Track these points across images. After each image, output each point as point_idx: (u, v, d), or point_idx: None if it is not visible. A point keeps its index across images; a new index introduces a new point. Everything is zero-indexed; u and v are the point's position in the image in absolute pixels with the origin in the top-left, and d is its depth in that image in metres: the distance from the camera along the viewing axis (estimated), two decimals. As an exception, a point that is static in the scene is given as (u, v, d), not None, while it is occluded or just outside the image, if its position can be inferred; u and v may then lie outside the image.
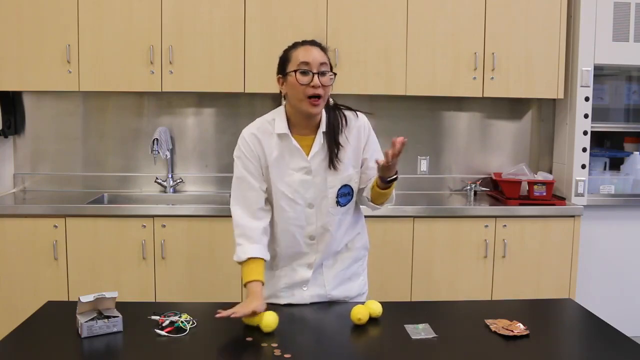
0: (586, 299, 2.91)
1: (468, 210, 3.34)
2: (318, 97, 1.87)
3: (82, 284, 3.17)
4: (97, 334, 1.68)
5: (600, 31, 3.45)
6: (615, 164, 3.76)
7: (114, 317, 1.72)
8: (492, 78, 3.47)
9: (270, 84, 3.25)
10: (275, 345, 1.64)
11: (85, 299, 1.69)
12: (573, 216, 3.35)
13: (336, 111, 2.00)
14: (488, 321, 1.81)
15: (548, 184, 3.44)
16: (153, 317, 1.80)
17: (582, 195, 3.50)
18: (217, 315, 1.72)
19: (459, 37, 3.44)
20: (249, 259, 1.91)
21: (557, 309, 2.11)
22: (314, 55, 1.87)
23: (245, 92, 3.39)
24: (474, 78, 3.46)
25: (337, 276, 2.08)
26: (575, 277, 3.37)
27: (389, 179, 1.90)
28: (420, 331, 1.75)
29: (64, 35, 3.32)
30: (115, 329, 1.71)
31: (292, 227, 2.00)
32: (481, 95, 3.50)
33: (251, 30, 3.36)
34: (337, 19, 3.38)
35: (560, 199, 3.50)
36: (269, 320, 1.73)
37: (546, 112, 3.84)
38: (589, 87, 3.47)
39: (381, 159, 1.89)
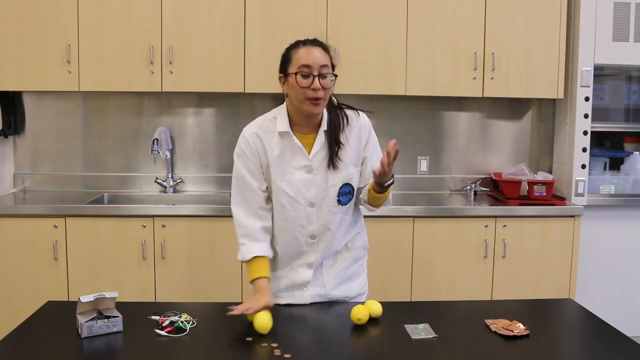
0: (586, 299, 2.91)
1: (468, 210, 3.35)
2: (318, 98, 1.87)
3: (82, 284, 3.17)
4: (97, 334, 1.68)
5: (600, 31, 3.45)
6: (615, 164, 3.76)
7: (114, 317, 1.72)
8: (492, 78, 3.47)
9: (270, 84, 3.27)
10: (275, 345, 1.64)
11: (85, 299, 1.69)
12: (573, 216, 3.35)
13: (337, 110, 2.00)
14: (488, 321, 1.82)
15: (548, 184, 3.44)
16: (153, 317, 1.80)
17: (582, 195, 3.50)
18: (229, 314, 1.73)
19: (459, 37, 3.44)
20: (254, 257, 1.94)
21: (557, 309, 2.11)
22: (315, 57, 1.87)
23: (245, 92, 3.40)
24: (474, 78, 3.46)
25: (337, 276, 2.08)
26: (575, 277, 3.37)
27: (385, 184, 1.90)
28: (420, 331, 1.75)
29: (64, 35, 3.32)
30: (115, 329, 1.71)
31: (293, 226, 2.00)
32: (481, 95, 3.50)
33: (251, 30, 3.36)
34: (337, 19, 3.38)
35: (560, 199, 3.50)
36: (263, 322, 1.72)
37: (546, 112, 3.84)
38: (589, 87, 3.47)
39: (380, 157, 1.89)
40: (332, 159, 1.96)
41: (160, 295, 3.20)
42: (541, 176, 3.57)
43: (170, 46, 3.34)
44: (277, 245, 2.05)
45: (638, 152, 3.68)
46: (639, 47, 3.48)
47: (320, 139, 1.97)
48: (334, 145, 1.96)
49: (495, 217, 3.32)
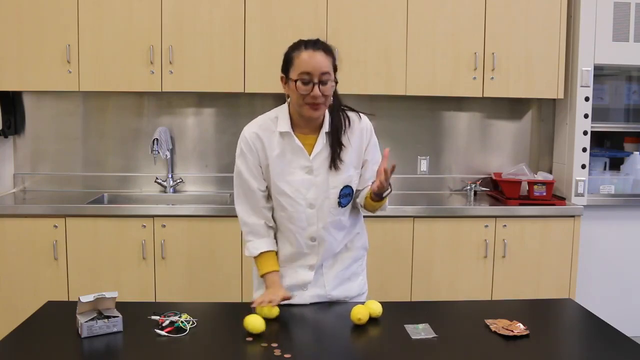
0: (586, 299, 2.91)
1: (468, 210, 3.35)
2: (318, 103, 1.87)
3: (82, 284, 3.17)
4: (97, 334, 1.68)
5: (600, 31, 3.45)
6: (615, 164, 3.76)
7: (114, 317, 1.72)
8: (492, 78, 3.47)
9: (270, 84, 3.28)
10: (275, 345, 1.64)
11: (85, 299, 1.69)
12: (573, 216, 3.35)
13: (340, 112, 2.00)
14: (488, 321, 1.82)
15: (548, 184, 3.44)
16: (153, 317, 1.80)
17: (582, 195, 3.50)
18: (253, 305, 1.82)
19: (459, 37, 3.44)
20: (261, 253, 2.00)
21: (557, 309, 2.11)
22: (316, 64, 1.85)
23: (245, 92, 3.39)
24: (474, 78, 3.46)
25: (337, 276, 2.08)
26: (575, 277, 3.37)
27: (384, 195, 1.90)
28: (420, 331, 1.75)
29: (64, 35, 3.32)
30: (115, 329, 1.71)
31: (293, 227, 2.01)
32: (481, 95, 3.50)
33: (251, 30, 3.36)
34: (337, 19, 3.38)
35: (560, 199, 3.50)
36: (257, 323, 1.72)
37: (546, 112, 3.84)
38: (589, 87, 3.47)
39: (380, 159, 1.92)
40: (334, 160, 1.96)
41: (160, 295, 3.20)
42: (541, 176, 3.57)
43: (170, 46, 3.34)
44: (278, 247, 2.06)
45: (638, 152, 3.68)
46: (639, 47, 3.48)
47: (322, 140, 1.97)
48: (336, 146, 1.96)
49: (495, 217, 3.32)
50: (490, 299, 3.26)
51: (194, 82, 3.38)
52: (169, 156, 3.66)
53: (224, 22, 3.35)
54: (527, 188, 3.47)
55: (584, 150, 3.50)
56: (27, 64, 3.33)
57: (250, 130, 1.99)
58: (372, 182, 1.93)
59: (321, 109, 1.90)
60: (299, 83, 1.85)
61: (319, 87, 1.85)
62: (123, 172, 3.73)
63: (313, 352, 1.67)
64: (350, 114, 2.03)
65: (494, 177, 3.72)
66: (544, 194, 3.42)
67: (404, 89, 3.45)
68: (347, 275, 2.10)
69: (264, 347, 1.64)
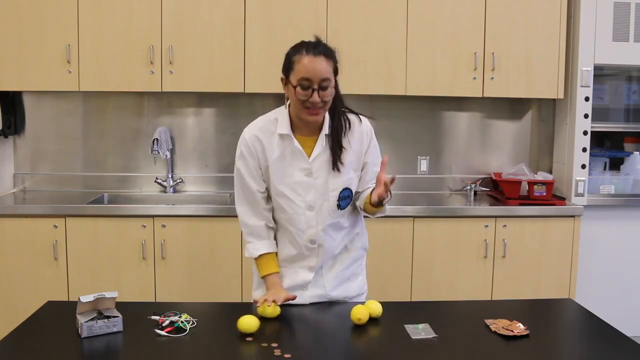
0: (586, 299, 2.91)
1: (468, 210, 3.35)
2: (317, 108, 1.87)
3: (82, 284, 3.17)
4: (97, 334, 1.68)
5: (600, 31, 3.45)
6: (615, 164, 3.76)
7: (114, 317, 1.72)
8: (492, 78, 3.47)
9: (270, 84, 3.27)
10: (275, 345, 1.64)
11: (85, 299, 1.69)
12: (573, 216, 3.35)
13: (340, 114, 1.99)
14: (488, 321, 1.82)
15: (548, 184, 3.44)
16: (153, 317, 1.80)
17: (582, 195, 3.50)
18: (258, 304, 1.83)
19: (459, 37, 3.44)
20: (261, 255, 2.01)
21: (557, 309, 2.11)
22: (316, 71, 1.83)
23: (245, 92, 3.39)
24: (474, 78, 3.46)
25: (337, 277, 2.08)
26: (575, 277, 3.37)
27: (383, 202, 1.90)
28: (420, 331, 1.75)
29: (64, 35, 3.32)
30: (115, 329, 1.71)
31: (293, 229, 2.01)
32: (481, 95, 3.50)
33: (251, 30, 3.36)
34: (337, 19, 3.38)
35: (560, 199, 3.50)
36: (250, 324, 1.72)
37: (546, 112, 3.84)
38: (589, 87, 3.47)
39: (380, 161, 1.94)
40: (335, 163, 1.96)
41: (160, 295, 3.20)
42: (541, 176, 3.57)
43: (170, 46, 3.34)
44: (279, 247, 2.06)
45: (638, 152, 3.68)
46: (639, 47, 3.48)
47: (321, 142, 1.96)
48: (336, 149, 1.96)
49: (495, 217, 3.32)
50: (490, 299, 3.26)
51: (194, 82, 3.38)
52: (169, 156, 3.66)
53: (224, 22, 3.35)
54: (527, 188, 3.47)
55: (584, 150, 3.50)
56: (27, 64, 3.33)
57: (250, 132, 1.99)
58: (372, 190, 1.93)
59: (320, 114, 1.90)
60: (298, 88, 1.84)
61: (318, 93, 1.84)
62: (123, 172, 3.73)
63: (313, 352, 1.67)
64: (351, 116, 2.02)
65: (494, 177, 3.72)
66: (544, 194, 3.42)
67: (404, 89, 3.45)
68: (347, 275, 2.10)
69: (264, 347, 1.64)
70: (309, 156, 1.96)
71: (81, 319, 1.68)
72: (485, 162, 3.86)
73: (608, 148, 3.92)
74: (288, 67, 1.89)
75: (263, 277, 2.02)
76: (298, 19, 3.35)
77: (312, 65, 1.83)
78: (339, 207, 2.00)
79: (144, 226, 3.19)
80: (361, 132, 2.02)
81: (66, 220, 3.17)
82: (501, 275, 3.34)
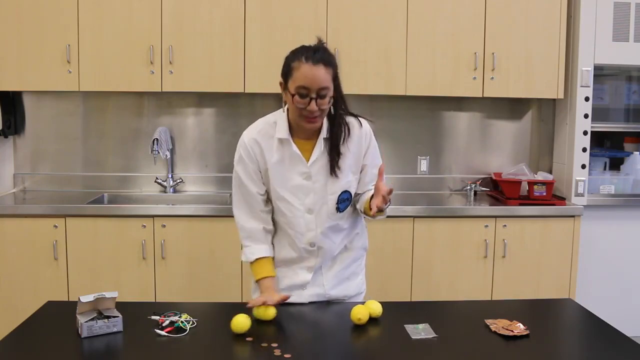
0: (586, 299, 2.91)
1: (468, 210, 3.35)
2: (314, 116, 1.86)
3: (82, 284, 3.17)
4: (97, 334, 1.68)
5: (600, 31, 3.45)
6: (615, 164, 3.77)
7: (114, 317, 1.72)
8: (492, 78, 3.47)
9: (270, 84, 3.27)
10: (275, 345, 1.64)
11: (85, 299, 1.69)
12: (573, 216, 3.35)
13: (340, 120, 1.97)
14: (488, 321, 1.82)
15: (548, 184, 3.44)
16: (153, 317, 1.80)
17: (582, 195, 3.50)
18: (248, 306, 1.81)
19: (459, 37, 3.44)
20: (257, 259, 1.99)
21: (557, 309, 2.11)
22: (315, 80, 1.80)
23: (245, 92, 3.39)
24: (474, 78, 3.46)
25: (336, 276, 2.08)
26: (575, 277, 3.37)
27: (383, 209, 1.90)
28: (420, 331, 1.75)
29: (64, 35, 3.32)
30: (115, 329, 1.71)
31: (292, 232, 2.01)
32: (481, 95, 3.50)
33: (251, 30, 3.36)
34: (337, 19, 3.38)
35: (560, 199, 3.50)
36: (244, 323, 1.72)
37: (546, 112, 3.84)
38: (589, 87, 3.47)
39: (380, 164, 1.96)
40: (333, 167, 1.95)
41: (160, 295, 3.20)
42: (541, 176, 3.57)
43: (170, 46, 3.34)
44: (277, 251, 2.06)
45: (638, 152, 3.68)
46: (639, 47, 3.48)
47: (320, 146, 1.96)
48: (334, 153, 1.95)
49: (495, 217, 3.32)
50: (490, 299, 3.26)
51: (194, 82, 3.38)
52: (169, 156, 3.66)
53: (224, 22, 3.35)
54: (527, 188, 3.47)
55: (584, 150, 3.50)
56: (27, 64, 3.33)
57: (250, 135, 1.98)
58: (371, 198, 1.91)
59: (317, 121, 1.88)
60: (296, 97, 1.83)
61: (316, 101, 1.82)
62: (123, 172, 3.73)
63: (313, 352, 1.67)
64: (350, 119, 2.00)
65: (494, 177, 3.72)
66: (544, 194, 3.43)
67: (404, 89, 3.45)
68: (346, 274, 2.10)
69: (264, 347, 1.64)
70: (308, 160, 1.96)
71: (81, 319, 1.68)
72: (485, 162, 3.86)
73: (608, 148, 3.93)
74: (287, 72, 1.86)
75: (257, 281, 1.99)
76: (298, 19, 3.35)
77: (310, 74, 1.80)
78: (338, 210, 2.00)
79: (144, 226, 3.19)
80: (360, 135, 2.00)
81: (66, 220, 3.17)
82: (501, 275, 3.34)
